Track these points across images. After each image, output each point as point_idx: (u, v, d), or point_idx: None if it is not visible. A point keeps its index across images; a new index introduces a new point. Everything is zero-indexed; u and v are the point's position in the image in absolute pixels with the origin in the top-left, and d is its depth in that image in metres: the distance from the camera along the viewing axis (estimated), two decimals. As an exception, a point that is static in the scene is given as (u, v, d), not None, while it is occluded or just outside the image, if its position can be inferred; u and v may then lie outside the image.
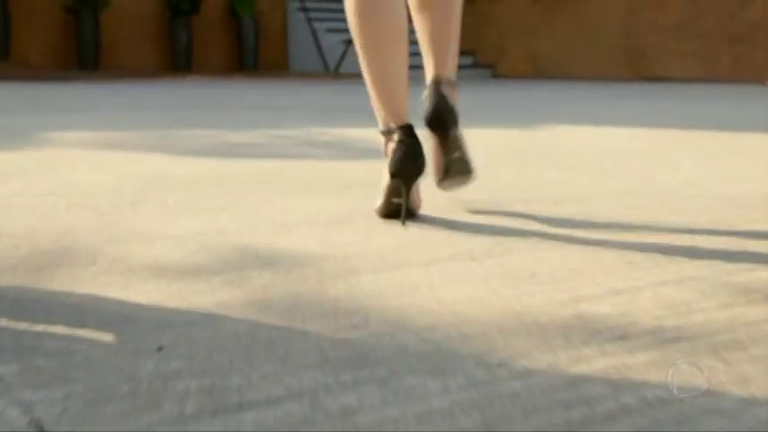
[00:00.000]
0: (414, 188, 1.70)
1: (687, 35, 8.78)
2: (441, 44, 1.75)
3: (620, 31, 9.56)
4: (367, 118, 4.03)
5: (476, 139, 3.11)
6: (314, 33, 11.53)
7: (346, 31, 11.43)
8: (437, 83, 1.71)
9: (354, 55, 10.99)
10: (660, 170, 2.32)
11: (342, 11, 12.22)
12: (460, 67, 11.25)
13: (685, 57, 8.84)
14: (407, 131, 1.64)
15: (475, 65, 11.53)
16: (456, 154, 1.71)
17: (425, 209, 1.77)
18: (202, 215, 1.66)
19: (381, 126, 1.71)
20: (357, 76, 10.75)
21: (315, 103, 5.25)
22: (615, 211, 1.72)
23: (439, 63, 1.74)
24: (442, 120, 1.69)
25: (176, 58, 10.98)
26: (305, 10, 11.62)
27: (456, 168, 1.72)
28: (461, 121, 3.57)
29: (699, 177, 2.18)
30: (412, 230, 1.55)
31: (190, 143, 2.93)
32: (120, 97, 5.74)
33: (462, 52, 11.75)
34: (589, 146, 2.91)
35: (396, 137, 1.65)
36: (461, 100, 5.72)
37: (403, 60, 1.71)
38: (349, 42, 11.03)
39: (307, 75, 10.74)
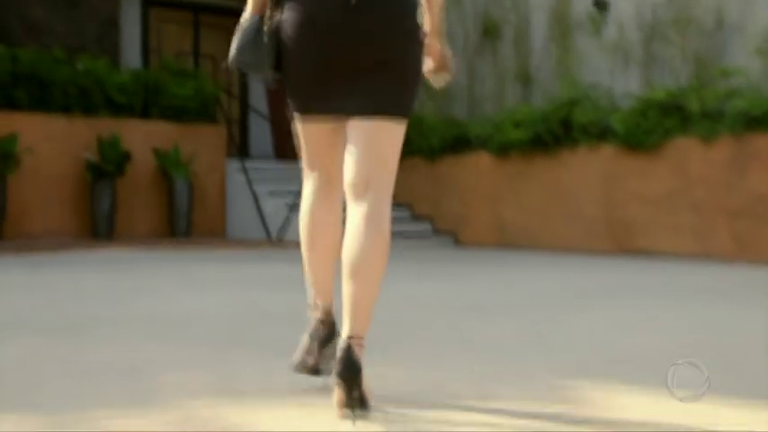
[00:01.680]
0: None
1: (677, 207, 7.73)
2: (361, 309, 2.03)
3: (599, 201, 8.51)
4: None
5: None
6: (254, 197, 10.36)
7: (289, 194, 10.28)
8: (349, 344, 1.98)
9: (298, 222, 9.79)
10: None
11: (285, 170, 11.12)
12: (419, 235, 10.12)
13: (676, 231, 7.76)
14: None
15: (435, 231, 10.40)
16: (355, 398, 1.94)
17: None
18: None
19: (310, 299, 2.30)
20: (300, 245, 9.50)
21: (253, 302, 3.96)
22: None
23: (355, 324, 2.02)
24: (349, 380, 1.93)
25: (97, 225, 9.67)
26: (245, 171, 10.50)
27: (356, 411, 1.95)
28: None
29: None
30: None
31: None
32: (-21, 299, 4.36)
33: (420, 217, 10.65)
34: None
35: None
36: (422, 277, 4.50)
37: (333, 263, 2.25)
38: (292, 207, 9.85)
39: (246, 243, 9.49)
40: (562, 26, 9.96)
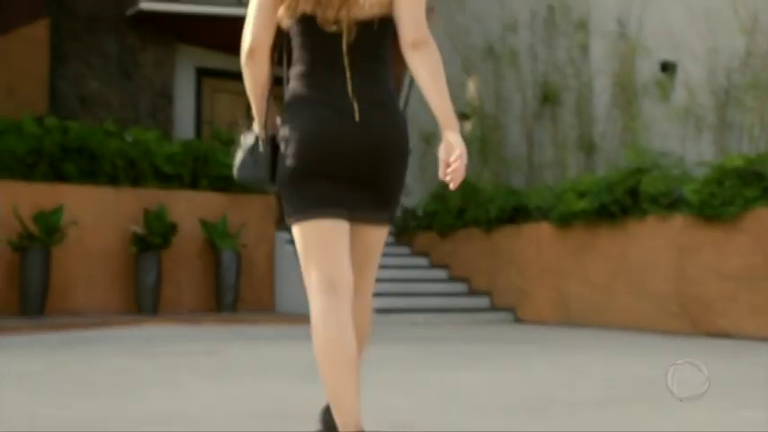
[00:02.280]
0: None
1: (760, 284, 7.04)
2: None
3: (671, 276, 7.84)
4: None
5: None
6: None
7: (341, 268, 9.85)
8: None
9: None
10: None
11: None
12: (476, 309, 9.55)
13: (760, 311, 7.05)
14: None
15: (493, 307, 9.82)
16: None
17: None
18: None
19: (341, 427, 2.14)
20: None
21: (281, 398, 3.48)
22: None
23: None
24: None
25: (141, 298, 9.34)
26: (294, 242, 10.12)
27: None
28: None
29: None
30: None
31: None
32: (11, 390, 3.97)
33: (477, 291, 10.09)
34: None
35: None
36: (476, 360, 3.94)
37: (356, 380, 2.13)
38: (343, 282, 9.41)
39: (293, 319, 9.05)
40: (627, 92, 9.47)
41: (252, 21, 2.17)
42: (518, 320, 9.49)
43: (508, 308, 9.61)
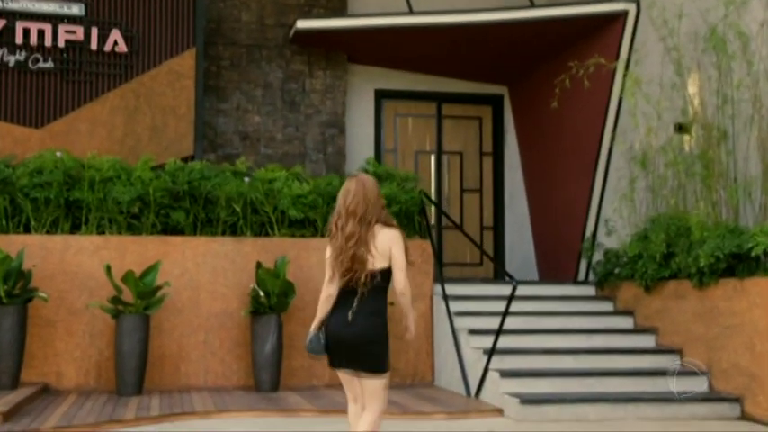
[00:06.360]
0: None
1: None
2: None
3: None
4: None
5: None
6: (454, 337, 7.81)
7: (490, 332, 7.48)
8: None
9: (496, 381, 6.99)
10: None
11: (491, 298, 8.31)
12: (689, 398, 6.77)
13: None
14: None
15: (712, 393, 6.94)
16: None
17: None
18: None
19: None
20: (497, 411, 6.73)
21: None
22: None
23: None
24: None
25: (257, 372, 7.79)
26: (445, 299, 8.03)
27: None
28: None
29: None
30: None
31: None
32: None
33: (691, 372, 7.25)
34: None
35: None
36: None
37: None
38: (491, 352, 7.12)
39: (440, 401, 6.98)
40: None
41: (328, 275, 4.04)
42: (744, 417, 6.58)
43: (731, 397, 6.72)
